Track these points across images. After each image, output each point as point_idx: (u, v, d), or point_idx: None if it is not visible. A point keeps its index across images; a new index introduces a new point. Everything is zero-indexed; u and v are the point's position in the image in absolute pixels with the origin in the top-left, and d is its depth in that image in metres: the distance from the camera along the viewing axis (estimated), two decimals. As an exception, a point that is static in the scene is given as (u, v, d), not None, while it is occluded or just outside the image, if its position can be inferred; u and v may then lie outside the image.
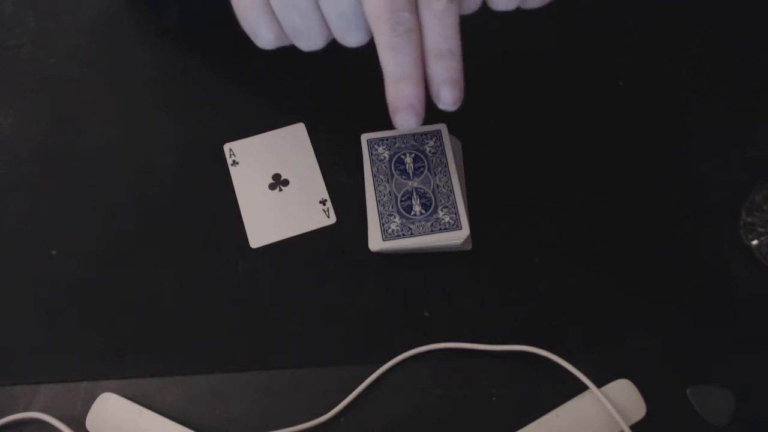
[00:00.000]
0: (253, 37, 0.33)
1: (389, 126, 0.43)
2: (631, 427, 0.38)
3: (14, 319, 0.42)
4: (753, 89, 0.47)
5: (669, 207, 0.44)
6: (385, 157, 0.43)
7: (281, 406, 0.39)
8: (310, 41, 0.32)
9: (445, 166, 0.42)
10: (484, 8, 0.32)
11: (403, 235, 0.40)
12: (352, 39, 0.31)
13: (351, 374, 0.40)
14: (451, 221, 0.40)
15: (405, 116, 0.31)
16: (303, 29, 0.31)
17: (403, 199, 0.41)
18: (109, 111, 0.47)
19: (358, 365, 0.40)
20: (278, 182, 0.45)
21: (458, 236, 0.40)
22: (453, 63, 0.30)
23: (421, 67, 0.30)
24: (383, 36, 0.30)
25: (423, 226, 0.40)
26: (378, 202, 0.41)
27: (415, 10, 0.30)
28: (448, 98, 0.31)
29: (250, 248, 0.43)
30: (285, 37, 0.32)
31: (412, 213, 0.41)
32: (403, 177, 0.42)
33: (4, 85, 0.48)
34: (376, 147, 0.43)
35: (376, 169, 0.42)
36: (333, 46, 0.33)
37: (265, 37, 0.32)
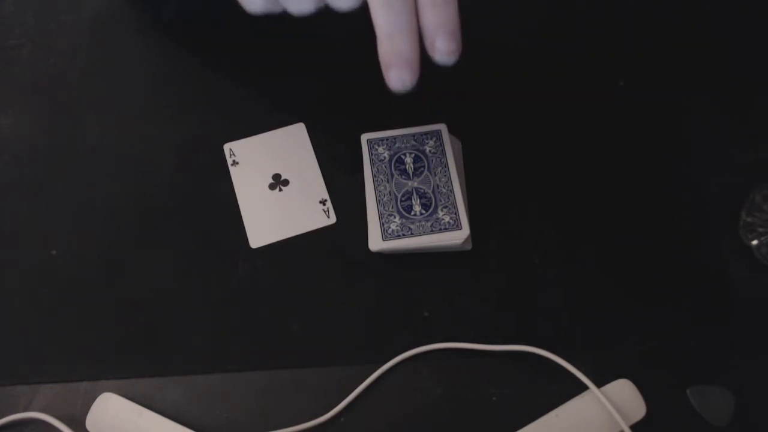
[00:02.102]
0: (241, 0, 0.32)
1: (389, 126, 0.44)
2: (631, 427, 0.38)
3: (14, 319, 0.42)
4: (753, 90, 0.47)
5: (669, 207, 0.44)
6: (385, 157, 0.43)
7: (281, 406, 0.39)
8: (300, 3, 0.31)
9: (445, 166, 0.42)
10: None
11: (403, 235, 0.40)
12: (343, 0, 0.30)
13: (351, 374, 0.40)
14: (451, 221, 0.40)
15: (398, 72, 0.29)
16: None
17: (403, 199, 0.41)
18: (109, 111, 0.47)
19: (358, 365, 0.40)
20: (278, 182, 0.45)
21: (458, 236, 0.40)
22: (449, 11, 0.29)
23: (415, 21, 0.29)
24: None
25: (423, 226, 0.40)
26: (378, 202, 0.41)
27: None
28: (443, 47, 0.29)
29: (250, 248, 0.43)
30: (275, 0, 0.31)
31: (412, 213, 0.41)
32: (403, 177, 0.42)
33: (4, 85, 0.48)
34: (376, 147, 0.43)
35: (376, 169, 0.42)
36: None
37: None
